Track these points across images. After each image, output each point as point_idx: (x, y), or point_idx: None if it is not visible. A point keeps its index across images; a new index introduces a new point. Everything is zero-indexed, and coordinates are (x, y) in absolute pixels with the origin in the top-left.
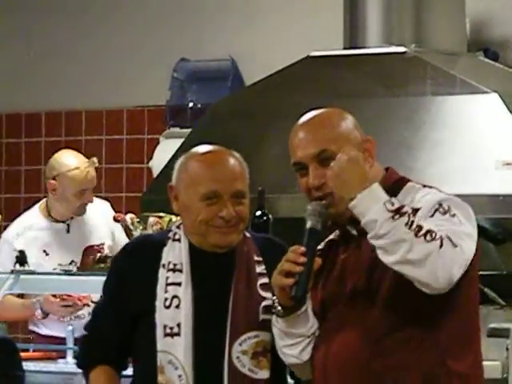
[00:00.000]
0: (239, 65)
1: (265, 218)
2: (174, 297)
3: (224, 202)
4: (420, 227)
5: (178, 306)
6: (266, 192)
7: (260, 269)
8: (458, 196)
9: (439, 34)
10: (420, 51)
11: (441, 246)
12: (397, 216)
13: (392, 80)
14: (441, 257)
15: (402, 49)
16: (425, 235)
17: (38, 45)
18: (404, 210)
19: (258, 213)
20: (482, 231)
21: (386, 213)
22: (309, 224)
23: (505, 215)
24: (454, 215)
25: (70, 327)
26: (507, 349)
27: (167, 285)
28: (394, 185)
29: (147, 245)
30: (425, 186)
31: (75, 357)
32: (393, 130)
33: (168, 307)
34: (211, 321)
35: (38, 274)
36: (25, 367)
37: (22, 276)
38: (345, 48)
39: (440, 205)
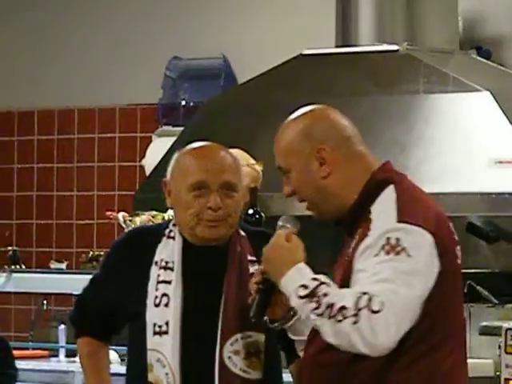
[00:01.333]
0: (231, 63)
1: (257, 216)
2: (164, 295)
3: (212, 193)
4: (331, 306)
5: (167, 305)
6: (258, 190)
7: (253, 269)
8: (451, 194)
9: (432, 32)
10: (413, 49)
11: (355, 321)
12: (306, 301)
13: (384, 78)
14: (360, 330)
15: (394, 47)
16: (335, 315)
17: (29, 43)
18: (316, 291)
19: (251, 211)
20: (474, 229)
21: (298, 299)
22: (280, 223)
23: (497, 213)
24: (400, 251)
25: (62, 326)
26: (499, 347)
27: (158, 283)
28: (375, 189)
29: (140, 238)
30: (398, 196)
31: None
32: (385, 128)
33: (157, 305)
34: (201, 320)
35: (31, 272)
36: (17, 365)
37: (15, 274)
38: (337, 46)
39: (388, 239)
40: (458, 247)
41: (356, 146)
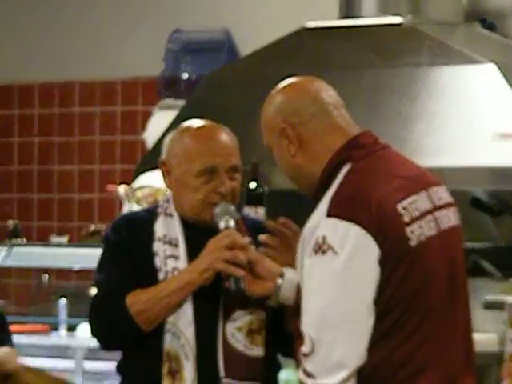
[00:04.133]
0: (234, 36)
1: (259, 189)
2: (174, 269)
3: (221, 178)
4: None
5: None
6: (260, 164)
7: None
8: (455, 168)
9: (435, 4)
10: (416, 22)
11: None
12: None
13: (388, 51)
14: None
15: (398, 19)
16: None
17: (31, 17)
18: None
19: (253, 185)
20: (478, 203)
21: None
22: (222, 224)
23: (501, 187)
24: (326, 250)
25: (63, 300)
26: (504, 322)
27: (166, 258)
28: (334, 169)
29: (136, 220)
30: (341, 183)
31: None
32: (388, 101)
33: None
34: (207, 297)
35: (31, 246)
36: (18, 340)
37: (15, 249)
38: (340, 18)
39: (316, 238)
40: (414, 227)
41: (330, 119)
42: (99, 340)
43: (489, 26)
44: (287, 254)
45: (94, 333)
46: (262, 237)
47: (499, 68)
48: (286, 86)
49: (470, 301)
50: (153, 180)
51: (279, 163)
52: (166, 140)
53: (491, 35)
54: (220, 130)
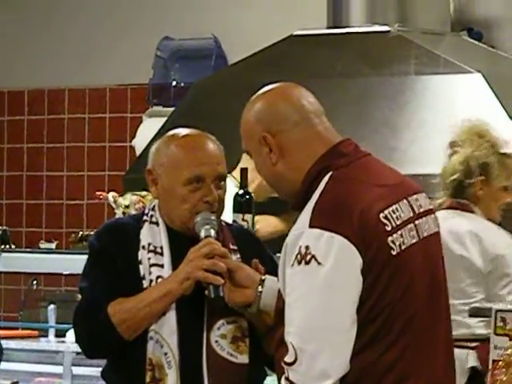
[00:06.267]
0: (222, 43)
1: (247, 196)
2: (159, 277)
3: (208, 186)
4: None
5: None
6: (248, 171)
7: (235, 257)
8: None
9: (423, 13)
10: (404, 30)
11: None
12: None
13: (376, 59)
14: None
15: (385, 28)
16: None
17: (21, 23)
18: None
19: (241, 191)
20: None
21: None
22: (202, 233)
23: None
24: (309, 260)
25: (52, 306)
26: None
27: (150, 266)
28: (314, 179)
29: (120, 228)
30: (322, 192)
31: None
32: (376, 109)
33: None
34: (191, 306)
35: (20, 252)
36: (7, 345)
37: (4, 254)
38: (328, 27)
39: (299, 248)
40: (395, 236)
41: (312, 128)
42: (82, 348)
43: (475, 35)
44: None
45: (77, 340)
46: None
47: (485, 77)
48: (266, 92)
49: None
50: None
51: (259, 170)
52: (152, 149)
53: (478, 44)
54: (206, 138)
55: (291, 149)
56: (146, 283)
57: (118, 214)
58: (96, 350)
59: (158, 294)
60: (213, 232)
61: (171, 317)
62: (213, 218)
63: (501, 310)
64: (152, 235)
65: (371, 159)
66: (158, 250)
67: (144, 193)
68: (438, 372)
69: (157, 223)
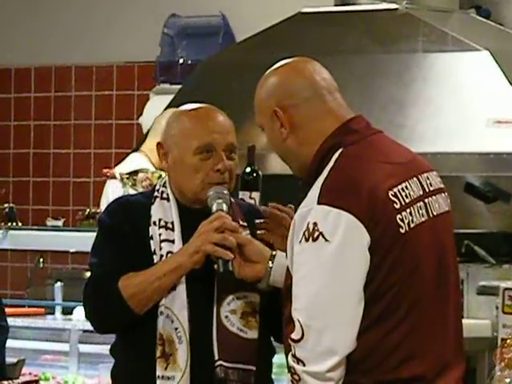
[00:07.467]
0: (230, 21)
1: (254, 174)
2: (169, 253)
3: (218, 155)
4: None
5: None
6: (255, 148)
7: (245, 233)
8: (449, 154)
9: None
10: (412, 8)
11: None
12: None
13: (383, 37)
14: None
15: (393, 5)
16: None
17: (27, 1)
18: None
19: (248, 169)
20: (472, 189)
21: None
22: (214, 207)
23: (495, 173)
24: (317, 237)
25: (59, 283)
26: (497, 307)
27: (161, 241)
28: (325, 155)
29: (131, 204)
30: (331, 169)
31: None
32: (384, 86)
33: None
34: (201, 281)
35: (27, 229)
36: (13, 323)
37: (11, 232)
38: (336, 4)
39: (307, 224)
40: (405, 214)
41: (323, 104)
42: (93, 323)
43: (483, 12)
44: (283, 239)
45: (87, 316)
46: (257, 220)
47: (493, 55)
48: (280, 67)
49: (464, 286)
50: (145, 163)
51: (270, 145)
52: (163, 122)
53: (486, 22)
54: (216, 111)
55: (302, 124)
56: (156, 258)
57: (125, 190)
58: (106, 324)
59: (169, 268)
60: (225, 206)
61: (182, 292)
62: (226, 192)
63: (509, 289)
64: (163, 211)
65: (382, 136)
66: (169, 225)
67: (151, 170)
68: (447, 352)
69: (167, 199)
